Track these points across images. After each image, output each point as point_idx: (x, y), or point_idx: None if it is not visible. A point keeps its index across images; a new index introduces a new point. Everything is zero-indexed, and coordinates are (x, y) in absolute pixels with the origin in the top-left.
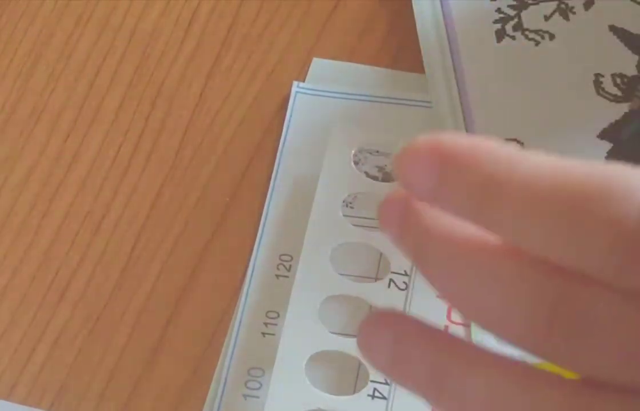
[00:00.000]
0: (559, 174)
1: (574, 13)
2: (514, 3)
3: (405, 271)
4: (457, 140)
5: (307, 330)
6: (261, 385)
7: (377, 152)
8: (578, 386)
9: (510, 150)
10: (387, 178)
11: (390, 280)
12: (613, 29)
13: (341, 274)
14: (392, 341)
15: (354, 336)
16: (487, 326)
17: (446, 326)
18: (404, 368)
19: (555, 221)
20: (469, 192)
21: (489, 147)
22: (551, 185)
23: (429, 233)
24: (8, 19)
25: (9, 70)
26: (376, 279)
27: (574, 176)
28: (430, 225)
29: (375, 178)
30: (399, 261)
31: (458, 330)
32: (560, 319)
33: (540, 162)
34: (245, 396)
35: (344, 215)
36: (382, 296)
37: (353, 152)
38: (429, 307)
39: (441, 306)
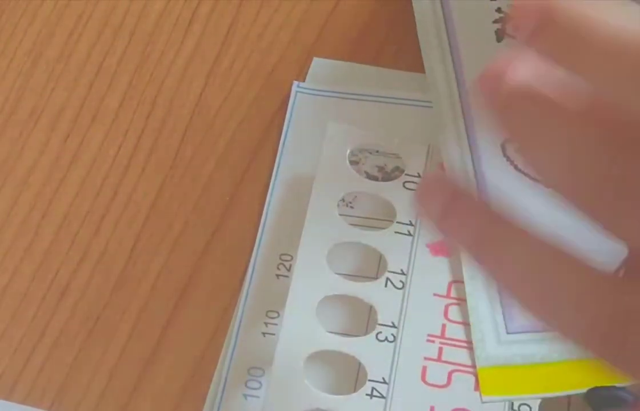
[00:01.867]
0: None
1: None
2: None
3: (402, 270)
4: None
5: (305, 329)
6: (261, 384)
7: (377, 151)
8: (614, 274)
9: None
10: (387, 178)
11: (387, 279)
12: None
13: (338, 274)
14: (446, 199)
15: (352, 335)
16: (552, 182)
17: (443, 325)
18: (453, 225)
19: (629, 70)
20: (562, 36)
21: (582, 5)
22: (632, 40)
23: (516, 90)
24: (8, 19)
25: (9, 70)
26: (373, 278)
27: None
28: (517, 84)
29: (375, 178)
30: (396, 260)
31: (455, 328)
32: (609, 183)
33: (622, 24)
34: (245, 396)
35: (344, 215)
36: (379, 295)
37: (349, 150)
38: (427, 305)
39: (438, 304)
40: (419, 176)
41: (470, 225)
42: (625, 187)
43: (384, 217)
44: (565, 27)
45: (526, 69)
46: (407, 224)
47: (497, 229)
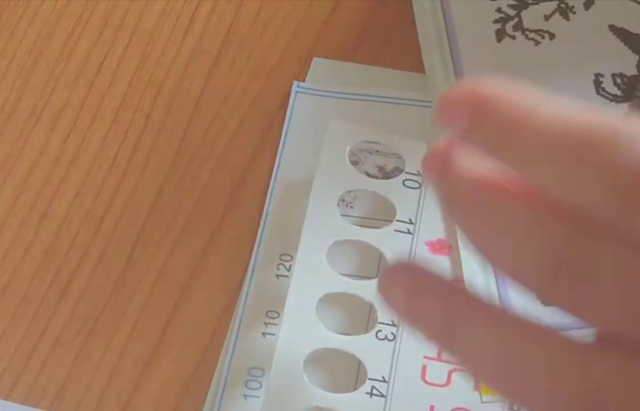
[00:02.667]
0: (573, 121)
1: (574, 13)
2: (514, 3)
3: None
4: (488, 86)
5: (305, 328)
6: (261, 384)
7: (377, 151)
8: (593, 346)
9: (533, 95)
10: (387, 177)
11: None
12: (613, 28)
13: (338, 272)
14: (410, 288)
15: (351, 334)
16: (503, 268)
17: None
18: (419, 315)
19: (566, 163)
20: (495, 132)
21: (513, 94)
22: (564, 130)
23: (460, 177)
24: (8, 19)
25: (9, 70)
26: (373, 277)
27: (585, 123)
28: (461, 170)
29: (375, 178)
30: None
31: None
32: (567, 265)
33: (557, 109)
34: (245, 396)
35: (345, 215)
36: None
37: (349, 149)
38: None
39: None
40: (419, 174)
41: (435, 313)
42: (578, 272)
43: (383, 217)
44: (495, 119)
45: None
46: (406, 222)
47: (464, 313)
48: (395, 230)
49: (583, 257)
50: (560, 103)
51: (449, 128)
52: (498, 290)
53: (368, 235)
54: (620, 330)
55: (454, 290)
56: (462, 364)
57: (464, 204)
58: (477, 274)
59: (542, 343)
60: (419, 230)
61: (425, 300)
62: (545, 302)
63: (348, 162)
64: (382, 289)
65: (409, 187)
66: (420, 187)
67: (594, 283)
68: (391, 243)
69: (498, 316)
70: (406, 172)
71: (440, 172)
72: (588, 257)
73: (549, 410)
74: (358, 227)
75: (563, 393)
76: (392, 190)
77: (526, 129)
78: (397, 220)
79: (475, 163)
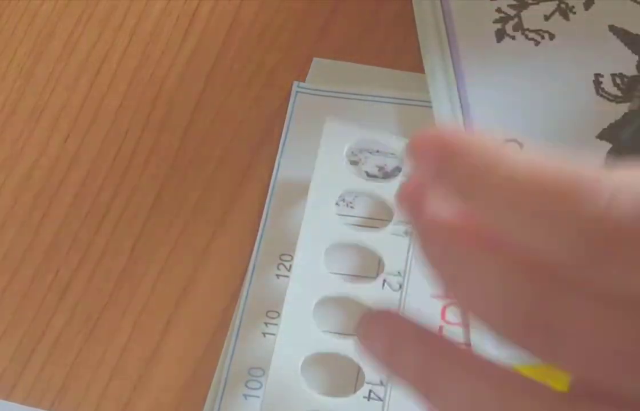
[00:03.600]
0: (536, 171)
1: (574, 13)
2: (514, 3)
3: (399, 271)
4: (454, 135)
5: (302, 331)
6: (261, 384)
7: (377, 151)
8: (564, 397)
9: (498, 145)
10: (387, 177)
11: (384, 280)
12: (613, 29)
13: (335, 274)
14: (388, 338)
15: (349, 336)
16: (474, 315)
17: (441, 327)
18: (397, 364)
19: (528, 211)
20: (460, 179)
21: (480, 142)
22: (529, 178)
23: (431, 223)
24: (8, 19)
25: (9, 70)
26: (373, 278)
27: (548, 173)
28: (432, 215)
29: (375, 177)
30: (393, 261)
31: (453, 330)
32: (536, 321)
33: (521, 158)
34: (245, 396)
35: (345, 215)
36: (376, 296)
37: (347, 148)
38: (423, 307)
39: (436, 306)
40: None
41: (412, 365)
42: (554, 323)
43: (385, 217)
44: (461, 166)
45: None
46: (404, 225)
47: (439, 365)
48: (392, 233)
49: (551, 313)
50: (527, 152)
51: (420, 170)
52: None
53: (366, 238)
54: (592, 379)
55: (430, 340)
56: None
57: (436, 252)
58: None
59: (516, 393)
60: None
61: (402, 353)
62: (519, 348)
63: (345, 163)
64: (362, 342)
65: None
66: None
67: (563, 339)
68: (388, 246)
69: (473, 365)
70: (404, 174)
71: (413, 211)
72: (556, 313)
73: None
74: (355, 230)
75: None
76: (390, 191)
77: (491, 176)
78: (394, 223)
79: (446, 204)
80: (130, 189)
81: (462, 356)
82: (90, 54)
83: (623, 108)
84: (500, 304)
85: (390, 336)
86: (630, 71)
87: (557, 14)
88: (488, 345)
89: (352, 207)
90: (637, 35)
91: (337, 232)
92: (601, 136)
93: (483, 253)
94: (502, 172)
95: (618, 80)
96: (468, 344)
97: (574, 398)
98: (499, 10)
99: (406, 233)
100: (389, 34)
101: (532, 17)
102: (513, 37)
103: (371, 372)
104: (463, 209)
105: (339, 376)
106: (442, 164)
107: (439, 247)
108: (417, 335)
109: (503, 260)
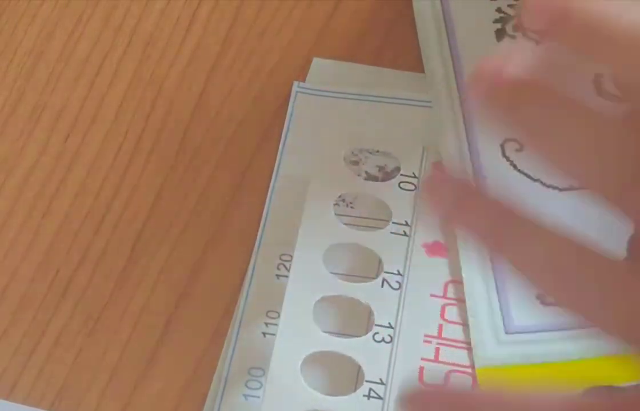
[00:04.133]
0: None
1: None
2: (514, 3)
3: (398, 271)
4: None
5: (302, 331)
6: (261, 384)
7: (378, 151)
8: (629, 264)
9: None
10: (387, 177)
11: (384, 279)
12: None
13: (336, 274)
14: (456, 192)
15: (348, 336)
16: (574, 176)
17: (440, 325)
18: (465, 218)
19: None
20: (582, 32)
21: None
22: None
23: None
24: (8, 19)
25: (10, 70)
26: (372, 278)
27: None
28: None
29: (375, 178)
30: (392, 261)
31: (452, 329)
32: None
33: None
34: (245, 396)
35: (344, 215)
36: (376, 296)
37: (345, 151)
38: (423, 306)
39: (435, 306)
40: (414, 176)
41: (484, 218)
42: None
43: (384, 217)
44: (583, 20)
45: (524, 60)
46: (402, 224)
47: (513, 220)
48: (392, 233)
49: None
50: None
51: (537, 19)
52: (497, 292)
53: (364, 238)
54: None
55: (500, 202)
56: (512, 268)
57: (525, 111)
58: (476, 276)
59: (591, 258)
60: (415, 232)
61: (474, 206)
62: (615, 204)
63: (344, 165)
64: (428, 193)
65: (405, 189)
66: (415, 189)
67: None
68: (387, 246)
69: (545, 223)
70: (402, 174)
71: (493, 84)
72: None
73: (605, 323)
74: (355, 230)
75: (617, 306)
76: (388, 192)
77: (612, 27)
78: (393, 222)
79: (531, 70)
80: (130, 189)
81: (532, 214)
82: (90, 54)
83: (623, 107)
84: (609, 154)
85: (457, 194)
86: None
87: None
88: (488, 345)
89: (351, 207)
90: None
91: (336, 231)
92: None
93: (587, 109)
94: (626, 22)
95: None
96: None
97: None
98: (499, 10)
99: (405, 233)
100: (389, 34)
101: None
102: (513, 37)
103: (371, 371)
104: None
105: (339, 375)
106: (561, 17)
107: (526, 104)
108: (483, 194)
109: (605, 121)
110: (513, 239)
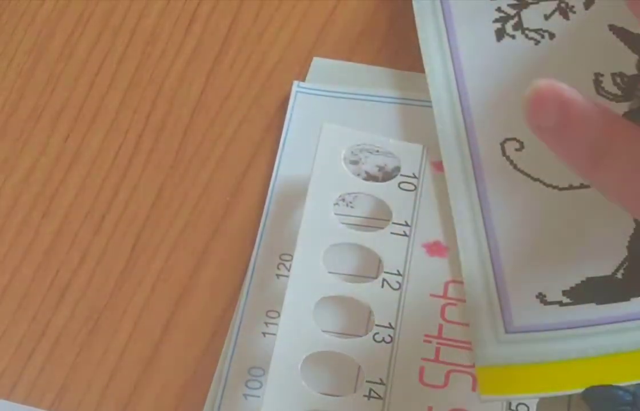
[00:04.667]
0: None
1: (574, 12)
2: (514, 2)
3: (398, 271)
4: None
5: (302, 331)
6: (261, 384)
7: (377, 151)
8: None
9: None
10: (387, 177)
11: (384, 279)
12: (613, 28)
13: (336, 274)
14: (556, 113)
15: (348, 336)
16: None
17: (440, 325)
18: (564, 141)
19: None
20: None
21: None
22: None
23: None
24: (8, 19)
25: (9, 70)
26: (373, 278)
27: None
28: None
29: (375, 177)
30: (392, 261)
31: (452, 329)
32: None
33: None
34: (245, 395)
35: (344, 215)
36: (376, 296)
37: (344, 151)
38: (423, 306)
39: (435, 306)
40: (414, 176)
41: (582, 141)
42: None
43: (384, 217)
44: None
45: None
46: (402, 224)
47: (612, 140)
48: (392, 233)
49: None
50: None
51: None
52: (497, 292)
53: (364, 238)
54: None
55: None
56: (610, 189)
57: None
58: (476, 276)
59: None
60: (415, 232)
61: (571, 126)
62: None
63: (343, 165)
64: (529, 110)
65: (404, 190)
66: (415, 189)
67: None
68: (387, 246)
69: None
70: (402, 174)
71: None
72: None
73: None
74: (355, 230)
75: None
76: (388, 192)
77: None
78: (393, 222)
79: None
80: (130, 189)
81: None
82: (90, 53)
83: (623, 107)
84: None
85: (557, 114)
86: (631, 70)
87: (557, 13)
88: (488, 345)
89: (351, 207)
90: (637, 35)
91: (336, 231)
92: None
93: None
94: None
95: (618, 80)
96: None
97: None
98: (499, 9)
99: (405, 233)
100: (389, 33)
101: (532, 16)
102: (513, 37)
103: (371, 371)
104: None
105: (339, 375)
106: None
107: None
108: (585, 113)
109: None
110: (609, 160)
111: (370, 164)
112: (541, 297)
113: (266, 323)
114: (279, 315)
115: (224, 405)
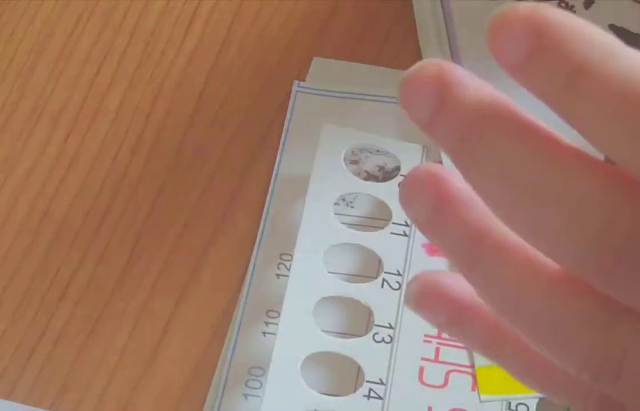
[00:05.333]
0: None
1: (574, 12)
2: (514, 2)
3: (398, 271)
4: (559, 15)
5: (302, 331)
6: (262, 384)
7: (378, 151)
8: (614, 302)
9: (612, 40)
10: (387, 177)
11: (384, 280)
12: (613, 28)
13: (336, 274)
14: (432, 203)
15: (348, 336)
16: (539, 238)
17: (437, 337)
18: (440, 232)
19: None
20: (558, 73)
21: (590, 31)
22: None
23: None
24: (8, 19)
25: (9, 70)
26: (373, 278)
27: None
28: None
29: (375, 177)
30: (392, 261)
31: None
32: (633, 250)
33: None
34: (245, 395)
35: (344, 215)
36: (376, 296)
37: (344, 151)
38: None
39: None
40: None
41: (459, 234)
42: (630, 248)
43: (384, 217)
44: (562, 53)
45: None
46: (402, 225)
47: (488, 242)
48: (391, 233)
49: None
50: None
51: (500, 55)
52: None
53: (364, 238)
54: None
55: (477, 211)
56: (482, 293)
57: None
58: None
59: (571, 291)
60: (415, 232)
61: (451, 216)
62: (598, 282)
63: (343, 165)
64: (405, 192)
65: None
66: None
67: None
68: (387, 246)
69: (521, 251)
70: (402, 174)
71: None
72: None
73: (566, 356)
74: (355, 230)
75: (585, 343)
76: (388, 192)
77: (598, 76)
78: (393, 223)
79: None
80: (130, 189)
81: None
82: (91, 53)
83: None
84: (591, 225)
85: (433, 204)
86: None
87: None
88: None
89: (351, 207)
90: (637, 35)
91: (336, 231)
92: None
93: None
94: (611, 75)
95: None
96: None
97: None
98: None
99: (405, 233)
100: (389, 34)
101: None
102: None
103: (371, 371)
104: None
105: (339, 375)
106: (536, 50)
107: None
108: (462, 203)
109: (593, 175)
110: (486, 264)
111: (370, 164)
112: None
113: (266, 323)
114: (279, 315)
115: (224, 404)
